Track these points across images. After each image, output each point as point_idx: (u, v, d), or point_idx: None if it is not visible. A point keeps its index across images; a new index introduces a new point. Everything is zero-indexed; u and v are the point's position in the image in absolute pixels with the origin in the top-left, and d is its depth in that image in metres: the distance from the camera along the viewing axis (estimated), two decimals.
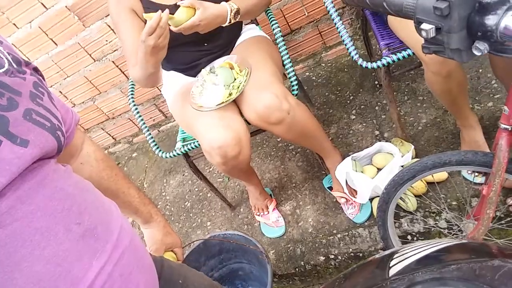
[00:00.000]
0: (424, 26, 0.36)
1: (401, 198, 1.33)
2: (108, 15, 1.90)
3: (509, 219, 1.21)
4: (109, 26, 1.95)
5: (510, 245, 1.17)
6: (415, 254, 0.48)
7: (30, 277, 0.46)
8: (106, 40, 2.02)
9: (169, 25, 1.11)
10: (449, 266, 0.41)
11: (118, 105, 2.39)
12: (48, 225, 0.48)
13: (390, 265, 0.47)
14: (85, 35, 1.99)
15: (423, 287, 0.39)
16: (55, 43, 2.02)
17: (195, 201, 2.02)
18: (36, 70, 0.59)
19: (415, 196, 1.39)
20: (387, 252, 0.53)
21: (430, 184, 1.39)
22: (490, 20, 0.33)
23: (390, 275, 0.44)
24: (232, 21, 1.20)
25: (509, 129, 0.88)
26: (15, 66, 0.53)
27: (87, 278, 0.50)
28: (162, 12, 1.00)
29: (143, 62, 1.10)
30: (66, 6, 1.86)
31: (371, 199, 1.48)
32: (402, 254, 0.49)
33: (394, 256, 0.49)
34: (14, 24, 1.92)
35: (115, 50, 2.07)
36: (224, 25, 1.20)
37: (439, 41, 0.37)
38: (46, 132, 0.51)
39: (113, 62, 2.12)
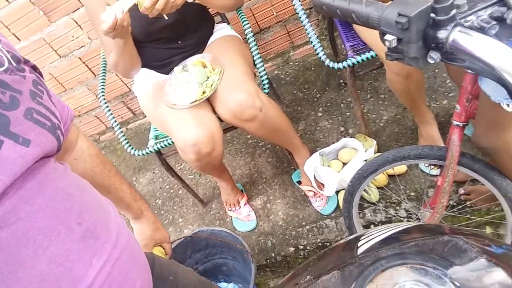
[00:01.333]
0: (387, 37, 0.43)
1: (365, 190, 1.42)
2: (75, 10, 1.86)
3: (460, 207, 1.32)
4: (76, 22, 1.92)
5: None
6: (379, 236, 0.54)
7: (33, 276, 0.46)
8: (73, 36, 1.98)
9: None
10: (408, 243, 0.48)
11: (84, 102, 2.34)
12: (51, 225, 0.49)
13: (358, 246, 0.53)
14: (51, 30, 1.94)
15: (387, 261, 0.45)
16: (18, 38, 1.96)
17: (166, 198, 2.04)
18: (34, 68, 0.59)
19: (378, 188, 1.49)
20: (354, 235, 0.59)
21: (391, 176, 1.49)
22: (441, 34, 0.40)
23: (358, 253, 0.50)
24: None
25: (461, 126, 0.98)
26: (14, 64, 0.53)
27: (88, 277, 0.51)
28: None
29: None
30: (30, 0, 1.81)
31: (337, 192, 1.56)
32: (368, 236, 0.55)
33: (361, 238, 0.56)
34: None
35: (82, 46, 2.03)
36: (189, 0, 1.20)
37: (400, 50, 0.43)
38: (46, 132, 0.51)
39: (79, 58, 2.08)
